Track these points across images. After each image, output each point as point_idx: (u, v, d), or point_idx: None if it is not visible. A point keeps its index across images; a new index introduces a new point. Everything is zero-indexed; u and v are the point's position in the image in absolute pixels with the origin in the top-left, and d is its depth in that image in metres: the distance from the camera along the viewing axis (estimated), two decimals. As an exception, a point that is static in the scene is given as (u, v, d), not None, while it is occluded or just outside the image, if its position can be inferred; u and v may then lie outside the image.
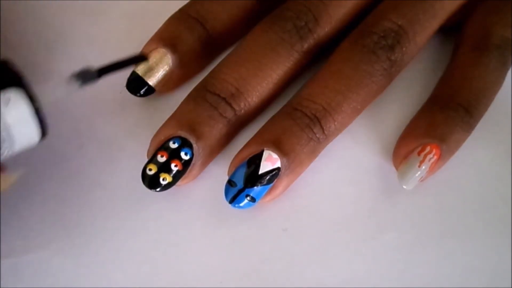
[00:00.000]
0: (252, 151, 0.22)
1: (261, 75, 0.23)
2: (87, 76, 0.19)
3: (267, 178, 0.21)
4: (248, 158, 0.22)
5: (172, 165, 0.21)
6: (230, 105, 0.22)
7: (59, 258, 0.22)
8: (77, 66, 0.25)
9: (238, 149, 0.23)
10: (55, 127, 0.23)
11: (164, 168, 0.21)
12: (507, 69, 0.24)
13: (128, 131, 0.24)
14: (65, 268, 0.22)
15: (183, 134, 0.22)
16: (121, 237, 0.22)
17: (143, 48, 0.24)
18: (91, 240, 0.22)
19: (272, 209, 0.23)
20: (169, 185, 0.22)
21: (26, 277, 0.22)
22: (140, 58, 0.22)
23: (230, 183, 0.22)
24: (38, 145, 0.23)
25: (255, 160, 0.21)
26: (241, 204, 0.22)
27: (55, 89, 0.19)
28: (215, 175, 0.23)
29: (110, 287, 0.22)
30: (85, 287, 0.22)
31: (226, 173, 0.22)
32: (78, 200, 0.23)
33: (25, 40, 0.26)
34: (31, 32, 0.26)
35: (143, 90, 0.23)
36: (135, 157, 0.23)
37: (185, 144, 0.22)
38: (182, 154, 0.21)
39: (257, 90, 0.23)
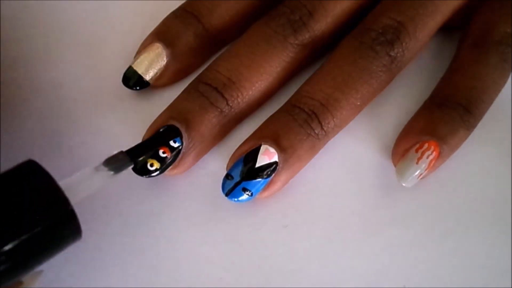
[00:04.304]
0: (250, 146, 0.22)
1: (254, 66, 0.23)
2: (119, 162, 0.20)
3: (265, 172, 0.21)
4: (246, 152, 0.22)
5: (160, 152, 0.21)
6: (221, 94, 0.22)
7: (58, 257, 0.22)
8: (78, 68, 0.26)
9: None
10: (55, 126, 0.24)
11: (152, 154, 0.21)
12: (510, 67, 0.23)
13: (128, 130, 0.24)
14: (65, 268, 0.22)
15: (173, 122, 0.22)
16: (120, 233, 0.22)
17: (141, 44, 0.24)
18: (90, 237, 0.22)
19: (273, 206, 0.23)
20: (157, 171, 0.21)
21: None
22: (174, 132, 0.22)
23: (228, 176, 0.22)
24: (38, 146, 0.24)
25: (253, 154, 0.21)
26: (239, 198, 0.22)
27: (87, 184, 0.19)
28: (215, 172, 0.23)
29: (110, 283, 0.22)
30: (85, 286, 0.22)
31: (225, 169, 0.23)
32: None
33: (22, 41, 0.26)
34: (28, 31, 0.27)
35: (138, 84, 0.24)
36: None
37: (174, 132, 0.22)
38: (171, 141, 0.22)
39: (250, 81, 0.23)
